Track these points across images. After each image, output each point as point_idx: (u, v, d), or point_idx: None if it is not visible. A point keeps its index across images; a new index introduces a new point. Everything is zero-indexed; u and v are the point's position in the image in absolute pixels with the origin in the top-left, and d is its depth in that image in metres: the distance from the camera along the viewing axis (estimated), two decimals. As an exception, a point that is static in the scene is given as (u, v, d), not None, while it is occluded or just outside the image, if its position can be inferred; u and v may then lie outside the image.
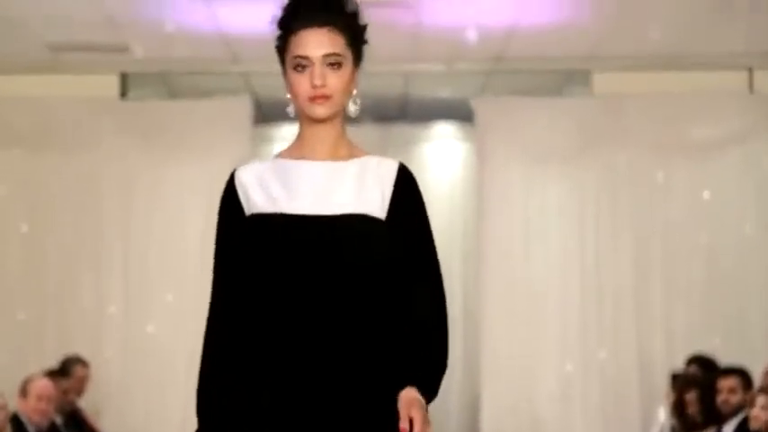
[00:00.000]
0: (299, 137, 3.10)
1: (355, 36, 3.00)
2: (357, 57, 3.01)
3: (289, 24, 3.05)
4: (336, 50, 2.98)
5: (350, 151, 3.05)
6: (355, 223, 2.96)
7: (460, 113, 10.13)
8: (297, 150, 3.09)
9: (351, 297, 2.92)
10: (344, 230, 2.95)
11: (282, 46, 3.08)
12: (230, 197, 3.24)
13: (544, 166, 9.64)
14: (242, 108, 9.71)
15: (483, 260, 9.57)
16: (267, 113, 10.41)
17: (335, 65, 2.98)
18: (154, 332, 9.53)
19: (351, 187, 3.00)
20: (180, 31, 8.84)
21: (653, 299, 9.49)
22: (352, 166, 3.02)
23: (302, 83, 3.01)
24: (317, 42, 2.99)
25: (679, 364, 8.80)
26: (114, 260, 9.56)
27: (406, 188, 3.02)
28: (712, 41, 9.18)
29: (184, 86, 10.15)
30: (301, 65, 3.01)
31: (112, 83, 9.77)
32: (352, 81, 3.00)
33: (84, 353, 9.05)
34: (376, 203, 2.98)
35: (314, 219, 2.97)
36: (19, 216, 9.51)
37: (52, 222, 9.53)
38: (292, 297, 2.95)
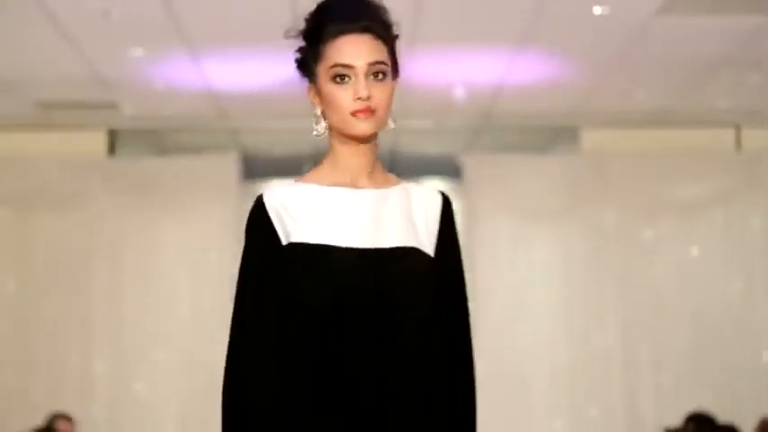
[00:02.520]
0: (333, 159, 2.69)
1: (393, 46, 2.66)
2: (394, 68, 2.66)
3: (322, 30, 2.65)
4: (381, 58, 2.61)
5: (385, 176, 2.70)
6: (409, 256, 2.64)
7: (448, 170, 10.15)
8: (331, 175, 2.68)
9: (407, 337, 2.62)
10: (399, 263, 2.63)
11: (313, 57, 2.69)
12: (263, 222, 2.74)
13: (532, 224, 9.65)
14: (230, 165, 9.72)
15: (471, 319, 9.52)
16: (255, 169, 10.43)
17: (380, 75, 2.61)
18: (142, 389, 9.47)
19: (399, 218, 2.65)
20: (168, 89, 8.87)
21: (642, 356, 9.47)
22: (395, 194, 2.69)
23: (344, 95, 2.60)
24: (361, 49, 2.61)
25: (668, 421, 8.76)
26: (103, 317, 9.53)
27: (450, 224, 2.71)
28: (699, 99, 9.23)
29: (173, 143, 10.17)
30: (342, 74, 2.62)
31: (101, 140, 9.78)
32: (393, 96, 2.66)
33: (72, 410, 8.98)
34: (423, 236, 2.65)
35: (368, 252, 2.61)
36: (7, 274, 9.49)
37: (40, 280, 9.50)
38: (350, 335, 2.59)
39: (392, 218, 2.66)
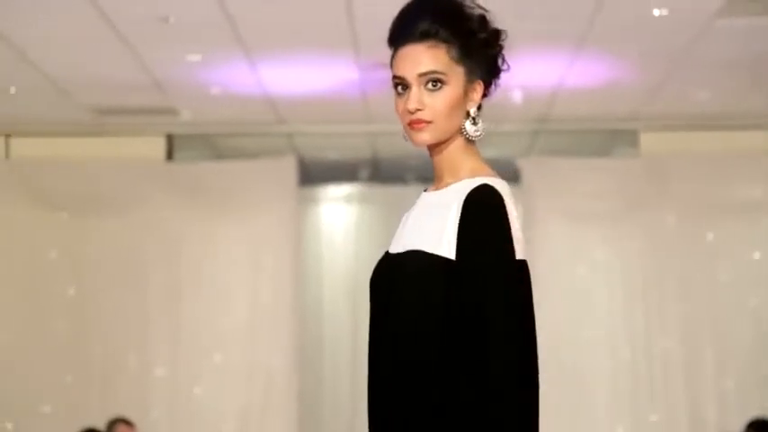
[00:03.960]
0: None
1: (467, 47, 2.63)
2: (474, 70, 2.65)
3: (389, 41, 2.68)
4: (434, 68, 2.61)
5: (458, 178, 2.64)
6: (406, 261, 2.57)
7: (506, 174, 10.06)
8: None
9: (397, 350, 2.54)
10: (397, 269, 2.58)
11: (391, 65, 2.68)
12: None
13: (591, 227, 9.58)
14: (287, 169, 9.73)
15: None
16: (312, 174, 10.44)
17: (436, 83, 2.61)
18: (201, 394, 9.50)
19: (419, 221, 2.62)
20: (225, 94, 8.90)
21: (704, 361, 9.37)
22: (437, 196, 2.64)
23: (400, 106, 2.64)
24: (413, 60, 2.61)
25: (731, 426, 8.67)
26: (161, 321, 9.57)
27: (467, 224, 2.54)
28: (759, 100, 9.12)
29: (230, 148, 10.20)
30: (399, 85, 2.64)
31: (159, 145, 9.83)
32: (464, 99, 2.64)
33: (131, 415, 9.02)
34: (433, 236, 2.55)
35: (385, 258, 2.65)
36: (66, 279, 9.55)
37: (99, 285, 9.56)
38: (369, 350, 2.62)
39: (415, 221, 2.64)
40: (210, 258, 9.63)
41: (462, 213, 2.54)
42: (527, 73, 8.35)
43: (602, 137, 10.06)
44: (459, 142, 2.67)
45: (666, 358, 9.39)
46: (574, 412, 9.36)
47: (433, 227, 2.57)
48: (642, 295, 9.49)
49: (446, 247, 2.54)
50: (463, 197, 2.57)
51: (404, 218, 2.73)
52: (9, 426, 9.24)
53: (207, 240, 9.64)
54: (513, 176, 9.94)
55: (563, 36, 7.70)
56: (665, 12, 7.21)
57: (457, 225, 2.54)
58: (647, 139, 9.73)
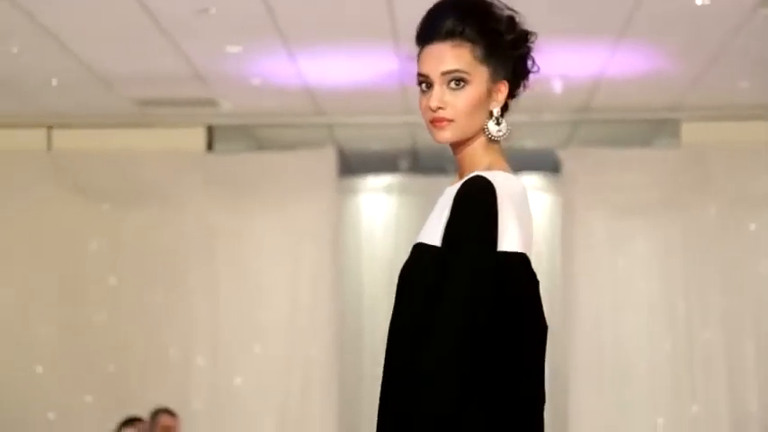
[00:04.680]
0: None
1: (492, 47, 2.63)
2: (498, 70, 2.65)
3: (418, 40, 2.70)
4: (457, 67, 2.62)
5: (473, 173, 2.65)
6: (412, 254, 2.62)
7: (546, 164, 10.07)
8: None
9: (400, 337, 2.60)
10: (407, 262, 2.63)
11: (418, 62, 2.71)
12: None
13: (632, 218, 9.53)
14: (327, 160, 9.74)
15: (570, 314, 9.46)
16: (352, 165, 10.45)
17: (458, 82, 2.62)
18: (241, 384, 9.53)
19: (431, 215, 2.64)
20: (265, 85, 8.92)
21: (745, 352, 9.31)
22: (451, 190, 2.64)
23: (423, 103, 2.66)
24: (436, 58, 2.63)
25: (773, 418, 8.61)
26: (201, 311, 9.61)
27: (452, 208, 2.55)
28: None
29: (270, 139, 10.23)
30: (423, 83, 2.66)
31: (199, 136, 9.87)
32: (487, 98, 2.65)
33: (173, 405, 9.08)
34: (434, 227, 2.58)
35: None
36: (107, 270, 9.61)
37: (140, 275, 9.61)
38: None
39: (429, 217, 2.65)
40: (250, 249, 9.65)
41: (452, 202, 2.56)
42: (568, 63, 8.32)
43: (643, 127, 10.01)
44: (481, 141, 2.68)
45: (708, 350, 9.34)
46: (614, 403, 9.32)
47: (434, 219, 2.60)
48: (683, 287, 9.44)
49: (438, 236, 2.56)
50: (455, 190, 2.58)
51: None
52: (51, 416, 9.31)
53: (246, 231, 9.66)
54: (553, 167, 9.91)
55: (604, 26, 7.67)
56: (707, 1, 7.16)
57: (448, 214, 2.56)
58: (688, 130, 9.67)
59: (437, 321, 2.47)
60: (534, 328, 2.59)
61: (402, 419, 2.48)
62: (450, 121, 2.64)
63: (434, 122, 2.64)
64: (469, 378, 2.46)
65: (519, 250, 2.56)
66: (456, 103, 2.63)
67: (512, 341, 2.54)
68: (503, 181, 2.60)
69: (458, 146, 2.69)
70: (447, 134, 2.65)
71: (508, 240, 2.55)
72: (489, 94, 2.65)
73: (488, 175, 2.58)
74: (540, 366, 2.59)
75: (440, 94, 2.63)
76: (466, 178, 2.59)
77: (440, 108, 2.63)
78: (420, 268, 2.58)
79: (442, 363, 2.44)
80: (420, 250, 2.60)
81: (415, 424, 2.44)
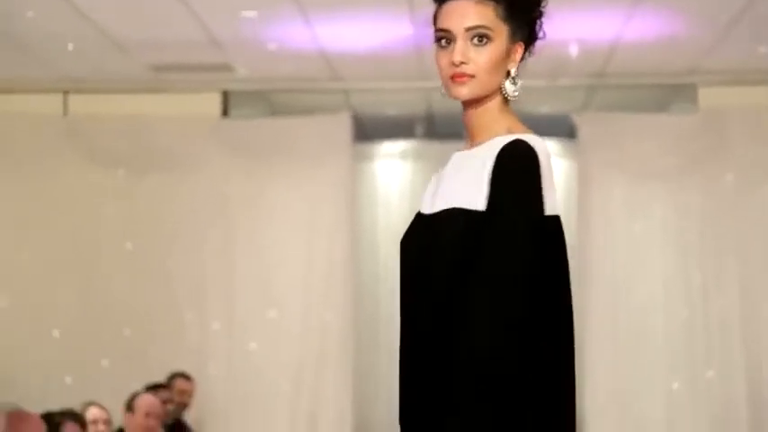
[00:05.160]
0: None
1: (513, 6, 2.66)
2: (517, 30, 2.67)
3: None
4: (482, 23, 2.64)
5: (492, 135, 2.64)
6: (444, 219, 2.60)
7: (562, 129, 10.04)
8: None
9: (429, 311, 2.57)
10: (432, 230, 2.62)
11: (433, 20, 2.72)
12: None
13: (648, 183, 9.51)
14: (342, 125, 9.73)
15: (586, 279, 9.45)
16: (367, 131, 10.44)
17: (482, 39, 2.63)
18: (256, 349, 9.57)
19: (453, 180, 2.64)
20: (281, 50, 8.90)
21: (761, 318, 9.30)
22: (470, 155, 2.65)
23: (443, 59, 2.66)
24: (460, 14, 2.65)
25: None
26: (217, 277, 9.64)
27: (498, 171, 2.54)
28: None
29: (285, 104, 10.22)
30: (444, 38, 2.67)
31: (215, 101, 9.86)
32: (506, 58, 2.65)
33: (189, 369, 9.13)
34: (470, 191, 2.57)
35: (418, 220, 2.71)
36: (123, 235, 9.63)
37: (156, 240, 9.63)
38: (401, 311, 2.66)
39: (450, 180, 2.64)
40: (265, 214, 9.67)
41: (495, 165, 2.55)
42: (584, 27, 8.28)
43: (659, 92, 9.97)
44: (497, 101, 2.68)
45: (723, 315, 9.33)
46: (630, 368, 9.34)
47: (468, 183, 2.58)
48: (699, 252, 9.43)
49: (481, 201, 2.55)
50: (497, 151, 2.57)
51: (433, 178, 2.76)
52: (68, 379, 9.36)
53: (261, 196, 9.67)
54: (569, 132, 9.88)
55: (620, -10, 7.62)
56: (724, -35, 7.12)
57: (489, 177, 2.55)
58: (705, 95, 9.62)
59: (499, 290, 2.46)
60: (570, 289, 2.63)
61: (467, 386, 2.44)
62: (472, 76, 2.64)
63: (455, 78, 2.65)
64: (532, 342, 2.48)
65: (556, 213, 2.59)
66: (478, 60, 2.64)
67: (560, 303, 2.58)
68: (537, 145, 2.61)
69: (471, 105, 2.69)
70: (465, 90, 2.66)
71: (549, 204, 2.57)
72: (508, 53, 2.67)
73: (526, 137, 2.60)
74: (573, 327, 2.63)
75: (463, 48, 2.64)
76: (506, 143, 2.58)
77: (463, 63, 2.64)
78: (464, 233, 2.54)
79: (511, 328, 2.44)
80: (456, 215, 2.57)
81: (484, 391, 2.42)
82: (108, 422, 7.21)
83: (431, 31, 2.73)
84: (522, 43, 2.69)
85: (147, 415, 7.72)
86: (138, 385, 8.32)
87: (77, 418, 6.40)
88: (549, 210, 2.57)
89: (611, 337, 9.39)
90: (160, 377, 8.84)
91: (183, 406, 8.96)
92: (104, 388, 8.68)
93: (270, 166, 9.67)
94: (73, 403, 7.04)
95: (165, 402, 8.45)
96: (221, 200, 9.65)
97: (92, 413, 7.00)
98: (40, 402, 6.98)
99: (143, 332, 9.54)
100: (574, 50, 8.67)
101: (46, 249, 9.57)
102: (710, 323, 9.36)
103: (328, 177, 9.65)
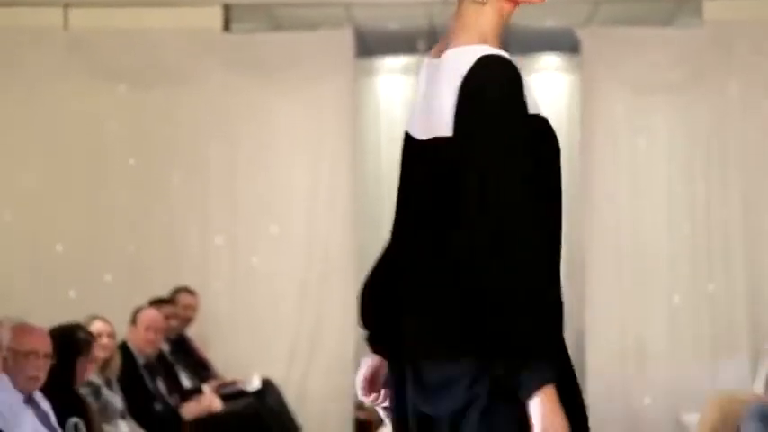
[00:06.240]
0: None
1: None
2: None
3: None
4: None
5: (466, 42, 2.59)
6: (431, 152, 2.58)
7: (565, 44, 9.98)
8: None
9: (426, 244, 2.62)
10: (425, 162, 2.60)
11: None
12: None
13: (652, 98, 9.47)
14: (344, 40, 9.67)
15: (588, 194, 9.46)
16: (369, 45, 10.37)
17: None
18: (259, 265, 9.60)
19: (429, 98, 2.59)
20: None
21: (763, 231, 9.32)
22: (446, 62, 2.59)
23: None
24: None
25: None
26: (220, 192, 9.64)
27: (465, 95, 2.52)
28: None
29: (287, 18, 10.14)
30: None
31: (216, 15, 9.79)
32: None
33: (192, 284, 9.17)
34: (446, 114, 2.55)
35: (409, 143, 2.68)
36: (126, 150, 9.62)
37: (158, 155, 9.62)
38: (393, 234, 2.78)
39: (427, 98, 2.60)
40: (268, 129, 9.64)
41: (463, 90, 2.52)
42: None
43: (664, 5, 9.88)
44: (468, 3, 2.65)
45: (726, 229, 9.34)
46: (630, 282, 9.37)
47: (444, 103, 2.55)
48: (703, 166, 9.41)
49: (448, 126, 2.54)
50: (463, 71, 2.54)
51: (419, 81, 2.69)
52: (72, 294, 9.41)
53: (264, 111, 9.64)
54: (572, 47, 9.82)
55: None
56: None
57: (455, 102, 2.53)
58: (710, 8, 9.54)
59: (514, 206, 2.45)
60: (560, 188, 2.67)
61: (500, 300, 2.44)
62: None
63: None
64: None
65: (534, 111, 2.62)
66: None
67: (557, 198, 2.62)
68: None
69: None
70: None
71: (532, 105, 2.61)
72: None
73: (498, 52, 2.59)
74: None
75: None
76: (483, 55, 2.56)
77: None
78: (452, 162, 2.53)
79: (537, 243, 2.47)
80: (441, 146, 2.56)
81: (512, 304, 2.42)
82: (112, 335, 7.27)
83: None
84: None
85: (148, 328, 7.82)
86: (141, 300, 8.37)
87: (85, 331, 6.45)
88: (533, 109, 2.61)
89: (614, 251, 9.41)
90: (163, 292, 8.89)
91: (188, 321, 9.02)
92: (108, 302, 8.72)
93: (272, 80, 9.63)
94: (77, 317, 7.08)
95: (169, 317, 8.51)
96: (224, 115, 9.62)
97: (96, 326, 7.06)
98: (44, 316, 7.02)
99: (146, 247, 9.57)
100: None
101: (49, 164, 9.56)
102: (713, 237, 9.38)
103: (331, 92, 9.61)
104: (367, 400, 2.85)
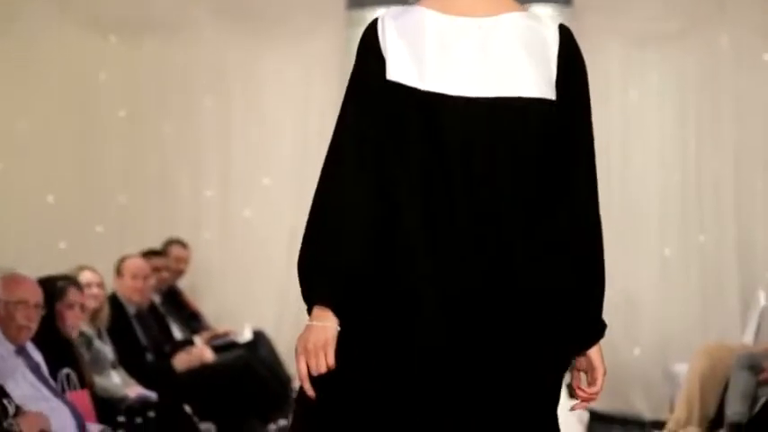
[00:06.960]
0: None
1: None
2: None
3: None
4: None
5: (508, 7, 2.65)
6: (531, 109, 2.62)
7: (558, -6, 9.93)
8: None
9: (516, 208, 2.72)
10: (520, 118, 2.62)
11: None
12: (373, 45, 2.62)
13: (644, 49, 9.44)
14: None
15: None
16: (361, -4, 10.30)
17: None
18: (250, 216, 9.60)
19: (513, 57, 2.60)
20: None
21: (754, 182, 9.32)
22: (507, 23, 2.64)
23: None
24: None
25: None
26: (211, 144, 9.62)
27: (571, 64, 2.71)
28: None
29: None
30: None
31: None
32: None
33: (184, 236, 9.17)
34: (541, 78, 2.64)
35: (477, 102, 2.57)
36: (117, 102, 9.59)
37: (149, 107, 9.59)
38: (435, 197, 2.63)
39: (506, 56, 2.56)
40: (259, 82, 9.61)
41: (563, 57, 2.82)
42: None
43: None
44: None
45: (717, 180, 9.34)
46: (622, 233, 9.37)
47: (524, 65, 2.64)
48: (695, 117, 9.40)
49: (550, 91, 2.74)
50: (556, 38, 2.77)
51: (430, 35, 2.62)
52: (63, 245, 9.41)
53: (255, 63, 9.60)
54: (564, -3, 9.78)
55: None
56: None
57: (556, 67, 2.75)
58: (703, -42, 9.50)
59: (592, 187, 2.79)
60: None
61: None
62: None
63: None
64: None
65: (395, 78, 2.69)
66: None
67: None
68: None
69: None
70: None
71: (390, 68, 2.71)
72: None
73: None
74: None
75: None
76: (559, 26, 2.72)
77: None
78: (543, 132, 2.70)
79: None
80: (540, 110, 2.65)
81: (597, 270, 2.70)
82: (101, 285, 7.27)
83: None
84: None
85: (135, 277, 7.82)
86: (132, 251, 8.37)
87: (73, 282, 6.44)
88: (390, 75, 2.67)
89: (605, 204, 9.34)
90: (155, 243, 8.89)
91: (179, 273, 9.02)
92: (98, 254, 8.71)
93: (263, 31, 9.58)
94: (67, 268, 7.09)
95: (160, 269, 8.52)
96: (215, 67, 9.58)
97: (85, 276, 7.06)
98: (34, 267, 7.02)
99: (137, 199, 9.56)
100: None
101: (40, 116, 9.52)
102: (703, 188, 9.38)
103: (321, 44, 9.57)
104: None
